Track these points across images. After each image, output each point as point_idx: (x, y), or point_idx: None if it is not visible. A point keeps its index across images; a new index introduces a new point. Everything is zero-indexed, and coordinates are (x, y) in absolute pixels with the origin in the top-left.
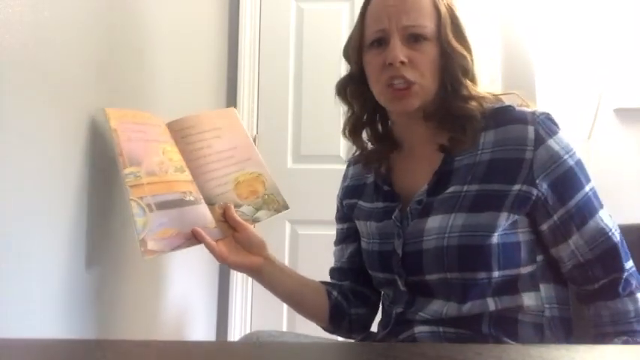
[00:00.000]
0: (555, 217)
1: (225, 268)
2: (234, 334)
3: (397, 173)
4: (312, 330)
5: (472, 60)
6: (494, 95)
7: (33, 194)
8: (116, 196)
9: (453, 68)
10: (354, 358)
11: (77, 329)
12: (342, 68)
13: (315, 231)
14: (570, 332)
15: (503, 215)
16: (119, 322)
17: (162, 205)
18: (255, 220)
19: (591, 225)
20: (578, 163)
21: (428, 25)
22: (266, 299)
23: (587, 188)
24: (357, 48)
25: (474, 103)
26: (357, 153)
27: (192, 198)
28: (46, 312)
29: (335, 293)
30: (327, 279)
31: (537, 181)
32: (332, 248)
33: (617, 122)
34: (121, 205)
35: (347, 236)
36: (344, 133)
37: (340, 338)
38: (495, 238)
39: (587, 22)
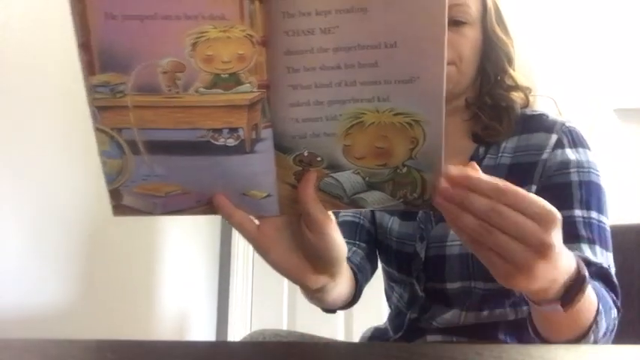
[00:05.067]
0: None
1: (226, 267)
2: (234, 334)
3: None
4: (313, 329)
5: (514, 52)
6: (532, 96)
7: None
8: None
9: (497, 55)
10: (354, 358)
11: (77, 329)
12: None
13: None
14: None
15: None
16: (119, 322)
17: (160, 147)
18: (351, 203)
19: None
20: (589, 185)
21: (471, 10)
22: (266, 299)
23: (576, 212)
24: None
25: (516, 94)
26: None
27: (232, 142)
28: (45, 312)
29: (359, 276)
30: None
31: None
32: None
33: (617, 122)
34: None
35: None
36: None
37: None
38: None
39: (587, 22)
